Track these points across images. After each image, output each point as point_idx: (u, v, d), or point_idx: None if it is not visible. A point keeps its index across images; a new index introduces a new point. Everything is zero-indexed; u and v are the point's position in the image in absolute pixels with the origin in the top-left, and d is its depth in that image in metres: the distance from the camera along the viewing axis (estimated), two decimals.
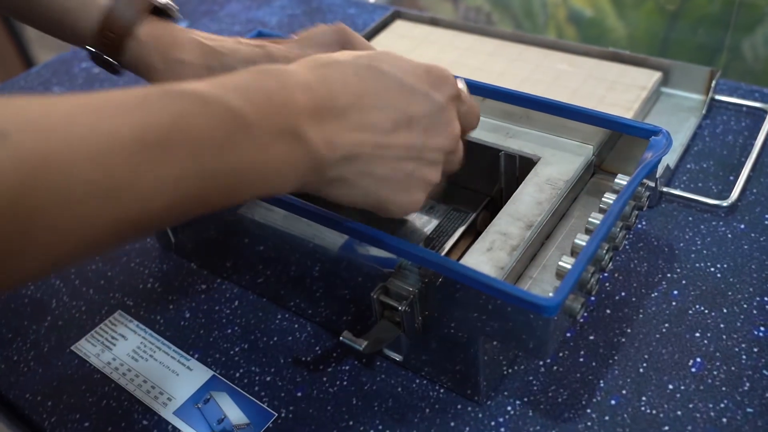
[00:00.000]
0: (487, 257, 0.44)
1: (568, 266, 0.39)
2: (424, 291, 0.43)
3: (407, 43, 0.81)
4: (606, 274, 0.55)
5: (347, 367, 0.51)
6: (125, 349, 0.55)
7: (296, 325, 0.55)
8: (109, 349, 0.55)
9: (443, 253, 0.52)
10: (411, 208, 0.40)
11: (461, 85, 0.42)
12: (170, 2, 0.50)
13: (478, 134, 0.53)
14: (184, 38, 0.49)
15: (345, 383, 0.50)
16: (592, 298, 0.53)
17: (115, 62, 0.50)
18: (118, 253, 0.63)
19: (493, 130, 0.54)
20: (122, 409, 0.51)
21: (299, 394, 0.50)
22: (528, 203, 0.48)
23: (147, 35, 0.49)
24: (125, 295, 0.59)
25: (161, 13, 0.50)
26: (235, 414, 0.49)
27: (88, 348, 0.55)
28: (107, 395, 0.52)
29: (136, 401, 0.51)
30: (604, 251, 0.42)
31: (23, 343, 0.56)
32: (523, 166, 0.52)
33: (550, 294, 0.38)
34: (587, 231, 0.43)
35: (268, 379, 0.51)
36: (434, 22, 0.84)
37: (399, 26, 0.85)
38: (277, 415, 0.49)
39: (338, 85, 0.36)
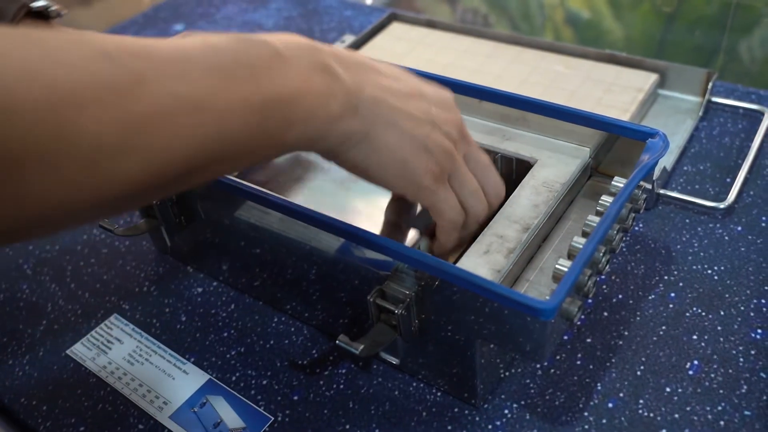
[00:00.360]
0: (483, 260, 0.44)
1: (565, 269, 0.39)
2: (420, 294, 0.43)
3: (404, 45, 0.81)
4: (603, 277, 0.55)
5: (344, 371, 0.51)
6: (121, 353, 0.55)
7: (292, 329, 0.55)
8: (105, 353, 0.55)
9: None
10: (434, 176, 0.41)
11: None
12: (48, 2, 0.50)
13: (475, 137, 0.52)
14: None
15: (341, 387, 0.50)
16: (590, 301, 0.53)
17: None
18: (114, 256, 0.63)
19: (489, 133, 0.54)
20: (118, 413, 0.50)
21: (295, 398, 0.50)
22: (525, 206, 0.47)
23: None
24: (121, 299, 0.59)
25: (40, 15, 0.50)
26: (231, 418, 0.49)
27: (83, 352, 0.55)
28: (103, 399, 0.51)
29: (132, 405, 0.51)
30: (601, 254, 0.41)
31: (18, 346, 0.56)
32: (519, 168, 0.52)
33: (547, 297, 0.38)
34: (584, 234, 0.43)
35: (265, 382, 0.51)
36: (431, 24, 0.84)
37: (396, 28, 0.85)
38: (273, 418, 0.49)
39: (357, 55, 0.40)
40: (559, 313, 0.39)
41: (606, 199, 0.44)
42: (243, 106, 0.31)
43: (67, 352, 0.55)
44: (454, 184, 0.43)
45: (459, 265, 0.44)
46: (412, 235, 0.50)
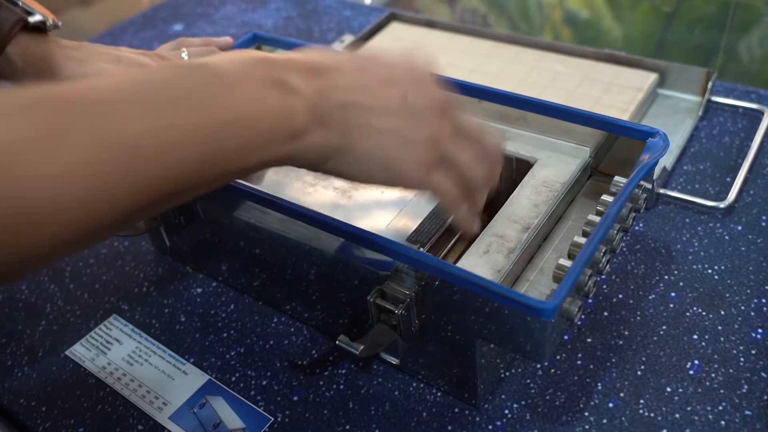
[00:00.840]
0: (483, 260, 0.44)
1: (565, 269, 0.39)
2: (420, 294, 0.43)
3: (404, 44, 0.81)
4: (603, 277, 0.55)
5: (343, 371, 0.51)
6: (120, 354, 0.55)
7: (292, 329, 0.55)
8: (104, 354, 0.55)
9: (440, 256, 0.52)
10: (423, 166, 0.38)
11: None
12: (45, 16, 0.51)
13: None
14: (55, 53, 0.52)
15: (341, 387, 0.50)
16: (590, 301, 0.53)
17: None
18: (113, 257, 0.63)
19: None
20: (117, 414, 0.50)
21: (295, 398, 0.50)
22: (525, 206, 0.47)
23: (18, 54, 0.51)
24: (120, 299, 0.59)
25: (37, 29, 0.52)
26: (230, 418, 0.49)
27: (82, 352, 0.55)
28: (102, 400, 0.51)
29: (131, 406, 0.51)
30: (602, 253, 0.41)
31: (17, 347, 0.56)
32: (519, 168, 0.52)
33: (547, 297, 0.38)
34: (584, 233, 0.42)
35: (264, 383, 0.51)
36: (430, 24, 0.84)
37: (395, 28, 0.84)
38: (273, 419, 0.49)
39: (315, 57, 0.36)
40: (560, 313, 0.39)
41: (606, 199, 0.44)
42: (186, 140, 0.30)
43: (67, 352, 0.55)
44: (446, 162, 0.40)
45: (459, 265, 0.43)
46: None
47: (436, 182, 0.39)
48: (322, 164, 0.36)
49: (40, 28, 0.51)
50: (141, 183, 0.28)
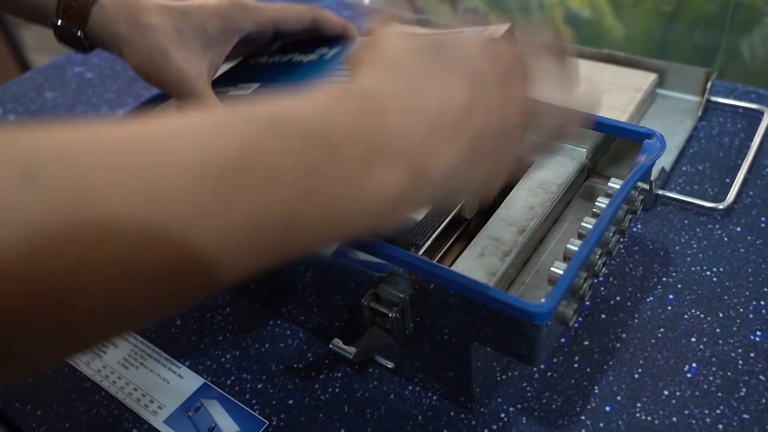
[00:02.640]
0: (478, 263, 0.44)
1: (560, 272, 0.39)
2: (415, 297, 0.42)
3: None
4: (601, 279, 0.55)
5: (339, 374, 0.51)
6: (116, 357, 0.54)
7: (288, 332, 0.55)
8: (100, 357, 0.54)
9: (436, 259, 0.51)
10: (501, 175, 0.35)
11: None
12: None
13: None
14: (149, 2, 0.48)
15: (337, 390, 0.50)
16: (587, 303, 0.53)
17: (82, 36, 0.49)
18: None
19: None
20: (112, 417, 0.50)
21: (291, 402, 0.49)
22: (520, 208, 0.47)
23: (111, 1, 0.48)
24: None
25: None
26: (226, 422, 0.49)
27: (78, 356, 0.55)
28: (97, 404, 0.51)
29: (126, 410, 0.50)
30: (597, 256, 0.41)
31: None
32: (515, 169, 0.52)
33: (542, 300, 0.37)
34: (580, 236, 0.42)
35: (260, 386, 0.51)
36: (427, 24, 0.84)
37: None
38: (268, 423, 0.48)
39: (427, 92, 0.31)
40: (554, 317, 0.39)
41: (602, 201, 0.43)
42: (251, 219, 0.24)
43: None
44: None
45: (454, 268, 0.43)
46: None
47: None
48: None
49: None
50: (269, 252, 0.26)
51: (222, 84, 0.53)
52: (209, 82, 0.49)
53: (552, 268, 0.40)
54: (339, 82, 0.33)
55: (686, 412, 0.45)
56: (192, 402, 0.50)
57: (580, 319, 0.52)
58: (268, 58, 0.54)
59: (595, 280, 0.52)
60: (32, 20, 0.51)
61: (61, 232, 0.20)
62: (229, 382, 0.51)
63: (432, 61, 0.33)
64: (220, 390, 0.51)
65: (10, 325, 0.20)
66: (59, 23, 0.49)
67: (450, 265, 0.44)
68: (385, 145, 0.29)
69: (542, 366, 0.49)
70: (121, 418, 0.50)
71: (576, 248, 0.40)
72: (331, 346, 0.43)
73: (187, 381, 0.52)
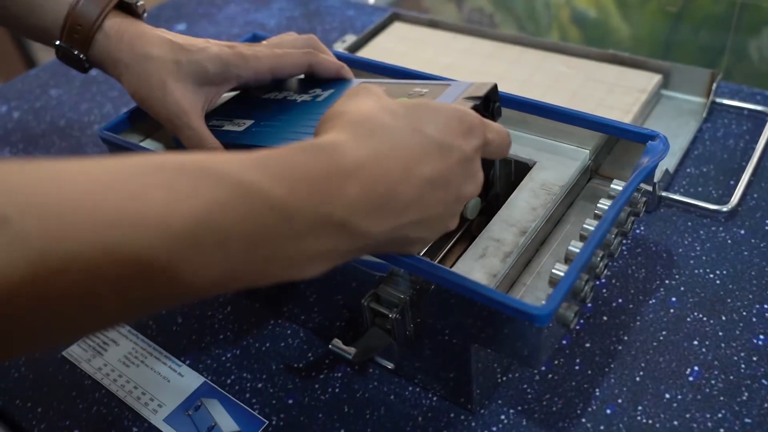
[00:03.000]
0: (479, 264, 0.44)
1: (561, 274, 0.39)
2: (415, 298, 0.42)
3: (405, 45, 0.80)
4: (603, 281, 0.54)
5: (339, 374, 0.51)
6: (116, 355, 0.54)
7: (289, 331, 0.54)
8: (101, 355, 0.54)
9: (437, 259, 0.51)
10: (425, 244, 0.40)
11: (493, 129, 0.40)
12: None
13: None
14: (152, 34, 0.50)
15: (337, 390, 0.50)
16: (589, 305, 0.52)
17: (83, 58, 0.50)
18: None
19: None
20: (112, 415, 0.50)
21: (290, 402, 0.49)
22: (522, 209, 0.47)
23: (115, 29, 0.49)
24: None
25: (127, 9, 0.51)
26: (225, 422, 0.49)
27: (79, 353, 0.55)
28: (97, 402, 0.51)
29: (127, 408, 0.50)
30: (599, 258, 0.41)
31: None
32: (518, 170, 0.51)
33: (543, 302, 0.37)
34: (581, 238, 0.42)
35: (260, 385, 0.51)
36: (433, 24, 0.83)
37: (397, 28, 0.84)
38: (267, 422, 0.48)
39: (389, 163, 0.34)
40: (555, 319, 0.38)
41: (604, 203, 0.43)
42: (200, 273, 0.28)
43: (63, 353, 0.55)
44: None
45: (454, 268, 0.43)
46: None
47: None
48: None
49: (133, 11, 0.51)
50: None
51: (218, 116, 0.54)
52: (203, 117, 0.50)
53: (553, 270, 0.40)
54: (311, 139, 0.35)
55: (688, 415, 0.45)
56: (192, 401, 0.50)
57: (582, 321, 0.52)
58: (266, 92, 0.55)
59: (597, 282, 0.52)
60: (36, 39, 0.52)
61: (31, 272, 0.23)
62: (229, 381, 0.51)
63: (407, 125, 0.35)
64: (220, 389, 0.51)
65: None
66: (62, 45, 0.50)
67: (451, 266, 0.43)
68: (338, 219, 0.31)
69: (543, 368, 0.49)
70: (121, 416, 0.50)
71: (577, 250, 0.40)
72: (330, 346, 0.43)
73: (187, 379, 0.52)
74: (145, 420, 0.49)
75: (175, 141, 0.53)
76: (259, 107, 0.53)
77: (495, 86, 0.45)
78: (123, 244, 0.25)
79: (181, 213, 0.27)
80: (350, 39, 0.82)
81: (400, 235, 0.35)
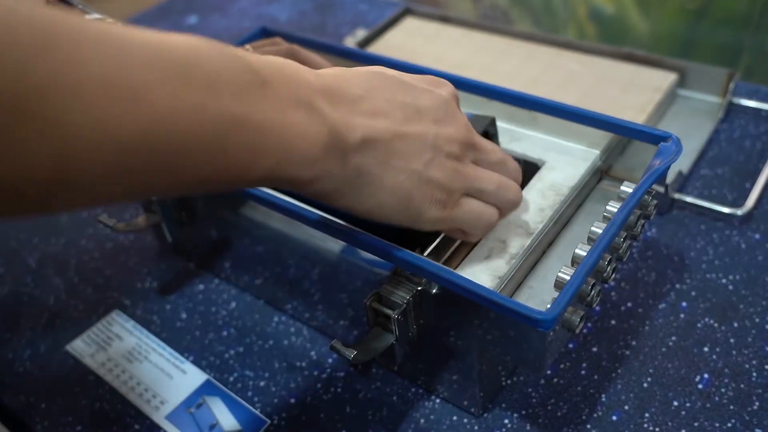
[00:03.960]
0: (484, 266, 0.43)
1: (567, 278, 0.38)
2: (418, 299, 0.42)
3: (416, 40, 0.79)
4: (612, 284, 0.53)
5: (342, 374, 0.50)
6: (120, 350, 0.54)
7: (292, 329, 0.54)
8: (104, 350, 0.54)
9: (442, 259, 0.50)
10: (436, 205, 0.38)
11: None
12: (103, 16, 0.50)
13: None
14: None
15: (339, 390, 0.49)
16: (597, 309, 0.51)
17: None
18: (118, 251, 0.63)
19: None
20: (115, 412, 0.50)
21: (292, 401, 0.49)
22: (530, 210, 0.46)
23: None
24: (122, 294, 0.59)
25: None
26: (227, 420, 0.49)
27: (83, 348, 0.55)
28: (100, 398, 0.51)
29: (129, 404, 0.50)
30: (606, 262, 0.40)
31: (19, 341, 0.56)
32: (526, 170, 0.50)
33: (548, 306, 0.36)
34: (589, 240, 0.41)
35: (262, 384, 0.50)
36: (445, 19, 0.82)
37: (409, 23, 0.83)
38: (269, 421, 0.48)
39: (346, 80, 0.36)
40: (560, 324, 0.38)
41: (613, 205, 0.42)
42: (192, 114, 0.28)
43: (67, 348, 0.55)
44: (472, 194, 0.40)
45: (459, 269, 0.42)
46: None
47: (459, 217, 0.40)
48: (331, 199, 0.36)
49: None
50: (128, 134, 0.26)
51: None
52: None
53: (559, 273, 0.39)
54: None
55: (696, 424, 0.44)
56: (194, 398, 0.50)
57: (589, 324, 0.51)
58: None
59: (605, 286, 0.51)
60: None
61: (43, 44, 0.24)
62: (231, 378, 0.51)
63: (370, 72, 0.38)
64: (222, 386, 0.51)
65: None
66: None
67: (456, 267, 0.43)
68: (307, 98, 0.33)
69: (549, 372, 0.48)
70: (124, 412, 0.50)
71: (584, 253, 0.39)
72: (332, 346, 0.42)
73: (190, 376, 0.52)
74: (147, 417, 0.49)
75: None
76: None
77: (493, 120, 0.47)
78: (120, 55, 0.26)
79: (170, 46, 0.28)
80: (361, 34, 0.81)
81: (382, 157, 0.35)
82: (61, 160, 0.25)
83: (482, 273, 0.42)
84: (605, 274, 0.40)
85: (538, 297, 0.43)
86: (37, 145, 0.24)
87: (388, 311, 0.42)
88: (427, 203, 0.38)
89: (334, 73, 0.36)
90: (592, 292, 0.39)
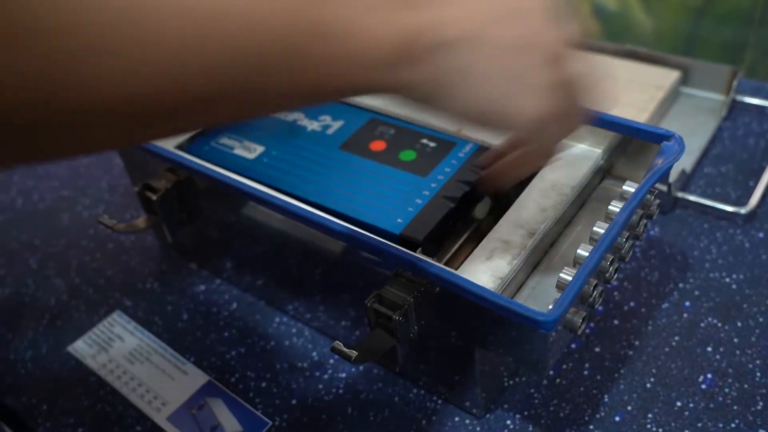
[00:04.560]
0: (486, 266, 0.42)
1: (569, 278, 0.38)
2: (419, 300, 0.41)
3: None
4: (615, 284, 0.53)
5: (343, 375, 0.50)
6: (122, 351, 0.54)
7: (294, 330, 0.54)
8: (106, 351, 0.54)
9: (444, 259, 0.50)
10: (535, 111, 0.32)
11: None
12: None
13: (484, 136, 0.51)
14: None
15: (341, 391, 0.49)
16: (599, 309, 0.51)
17: None
18: (119, 251, 0.63)
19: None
20: (116, 413, 0.50)
21: (294, 402, 0.49)
22: (532, 210, 0.46)
23: None
24: (124, 295, 0.59)
25: None
26: (229, 421, 0.48)
27: (84, 349, 0.55)
28: (102, 399, 0.51)
29: (130, 406, 0.50)
30: (608, 263, 0.39)
31: (21, 343, 0.56)
32: None
33: (550, 307, 0.36)
34: (591, 241, 0.41)
35: (264, 385, 0.50)
36: None
37: None
38: (271, 423, 0.48)
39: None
40: (562, 325, 0.37)
41: (615, 205, 0.42)
42: (277, 28, 0.26)
43: (69, 349, 0.55)
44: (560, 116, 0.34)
45: (461, 270, 0.42)
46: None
47: (546, 134, 0.35)
48: (418, 96, 0.32)
49: None
50: (212, 55, 0.25)
51: (230, 134, 0.54)
52: None
53: (561, 274, 0.39)
54: None
55: (699, 424, 0.44)
56: (196, 399, 0.50)
57: (592, 324, 0.50)
58: None
59: (608, 286, 0.50)
60: None
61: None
62: (233, 379, 0.51)
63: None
64: (224, 388, 0.50)
65: None
66: None
67: (457, 268, 0.43)
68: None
69: (551, 372, 0.48)
70: (125, 414, 0.50)
71: (586, 254, 0.39)
72: (332, 347, 0.42)
73: (191, 378, 0.52)
74: (148, 419, 0.49)
75: None
76: (269, 128, 0.53)
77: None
78: None
79: None
80: None
81: (463, 60, 0.30)
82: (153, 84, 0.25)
83: (483, 274, 0.42)
84: (607, 275, 0.40)
85: (540, 298, 0.43)
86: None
87: (389, 312, 0.42)
88: (516, 105, 0.32)
89: None
90: (594, 293, 0.39)
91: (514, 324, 0.37)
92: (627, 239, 0.41)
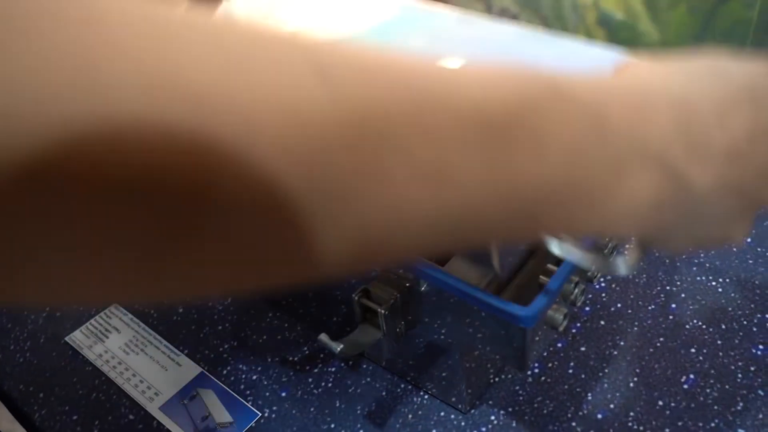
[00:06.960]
0: (471, 264, 0.43)
1: (549, 276, 0.38)
2: (406, 296, 0.42)
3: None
4: (603, 285, 0.54)
5: (333, 369, 0.51)
6: (117, 342, 0.55)
7: (286, 324, 0.55)
8: (102, 342, 0.56)
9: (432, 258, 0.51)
10: (747, 233, 0.31)
11: None
12: None
13: None
14: None
15: (330, 385, 0.50)
16: (586, 309, 0.52)
17: None
18: None
19: None
20: (110, 402, 0.51)
21: (283, 394, 0.50)
22: None
23: None
24: None
25: None
26: (219, 412, 0.49)
27: (81, 339, 0.56)
28: (97, 388, 0.52)
29: (124, 395, 0.51)
30: None
31: (21, 332, 0.57)
32: None
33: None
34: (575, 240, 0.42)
35: (255, 377, 0.51)
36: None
37: None
38: (260, 414, 0.49)
39: (699, 103, 0.26)
40: (543, 321, 0.38)
41: None
42: (503, 179, 0.21)
43: (66, 339, 0.56)
44: None
45: (446, 267, 0.43)
46: None
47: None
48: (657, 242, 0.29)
49: None
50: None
51: None
52: None
53: (542, 272, 0.40)
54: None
55: (680, 423, 0.44)
56: (188, 390, 0.51)
57: (578, 324, 0.51)
58: None
59: (595, 286, 0.51)
60: None
61: (348, 133, 0.18)
62: (225, 371, 0.52)
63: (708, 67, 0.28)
64: (216, 379, 0.51)
65: None
66: None
67: (444, 265, 0.43)
68: (654, 150, 0.24)
69: (536, 370, 0.49)
70: (119, 403, 0.51)
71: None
72: (318, 339, 0.43)
73: (184, 369, 0.53)
74: (141, 408, 0.50)
75: None
76: None
77: None
78: (435, 125, 0.21)
79: (496, 103, 0.21)
80: None
81: (722, 191, 0.27)
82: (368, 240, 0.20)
83: (469, 271, 0.43)
84: (590, 273, 0.41)
85: (525, 296, 0.44)
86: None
87: (376, 306, 0.43)
88: (731, 240, 0.31)
89: (691, 84, 0.27)
90: (576, 291, 0.39)
91: (497, 319, 0.38)
92: (611, 239, 0.42)
